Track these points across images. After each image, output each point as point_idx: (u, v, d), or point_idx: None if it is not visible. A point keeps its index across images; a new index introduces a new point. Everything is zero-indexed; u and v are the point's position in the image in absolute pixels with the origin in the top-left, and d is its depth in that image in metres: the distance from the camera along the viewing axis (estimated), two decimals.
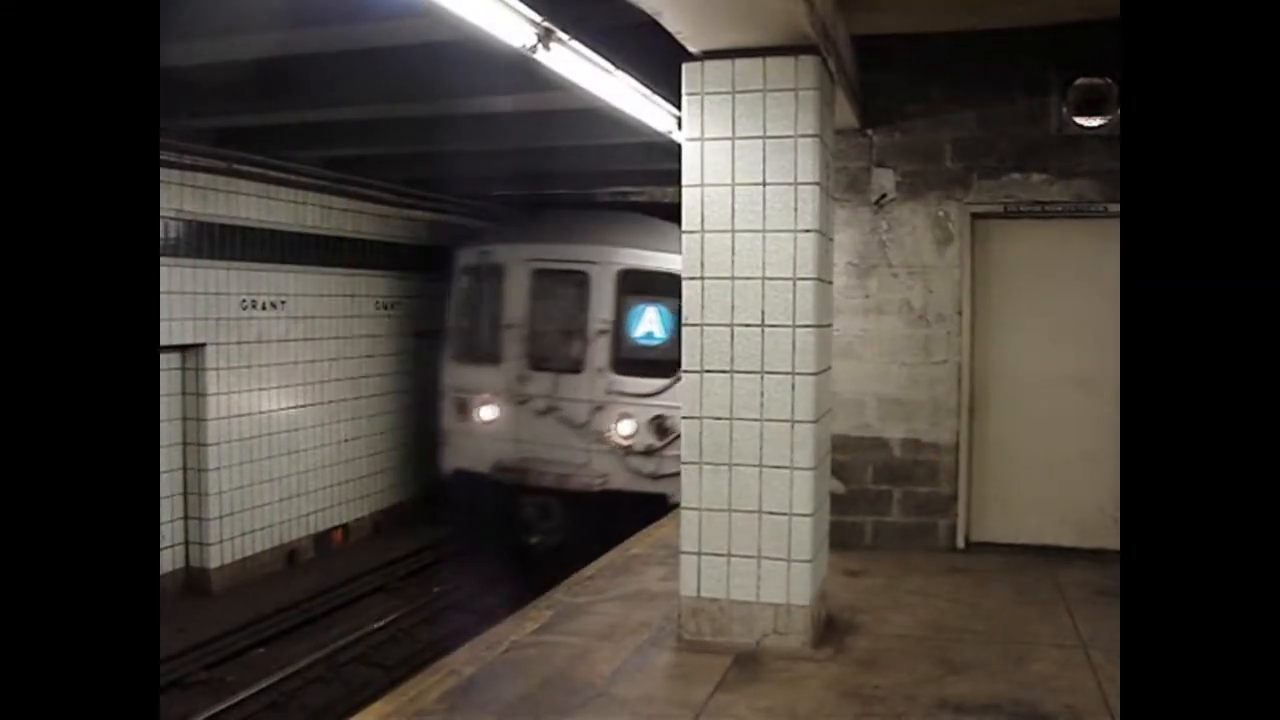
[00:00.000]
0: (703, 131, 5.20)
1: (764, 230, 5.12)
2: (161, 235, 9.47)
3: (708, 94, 5.18)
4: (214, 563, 10.64)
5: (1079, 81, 6.81)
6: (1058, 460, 7.26)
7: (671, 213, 7.63)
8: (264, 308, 11.19)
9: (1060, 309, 7.20)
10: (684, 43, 5.05)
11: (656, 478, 10.78)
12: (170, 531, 10.34)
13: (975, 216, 7.29)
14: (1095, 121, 6.83)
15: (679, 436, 6.18)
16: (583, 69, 5.76)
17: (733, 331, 5.19)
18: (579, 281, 11.32)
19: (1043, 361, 7.25)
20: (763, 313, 5.14)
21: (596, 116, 7.66)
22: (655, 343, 11.16)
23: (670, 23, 4.77)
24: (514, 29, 4.97)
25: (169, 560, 10.30)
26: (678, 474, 5.44)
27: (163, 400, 10.01)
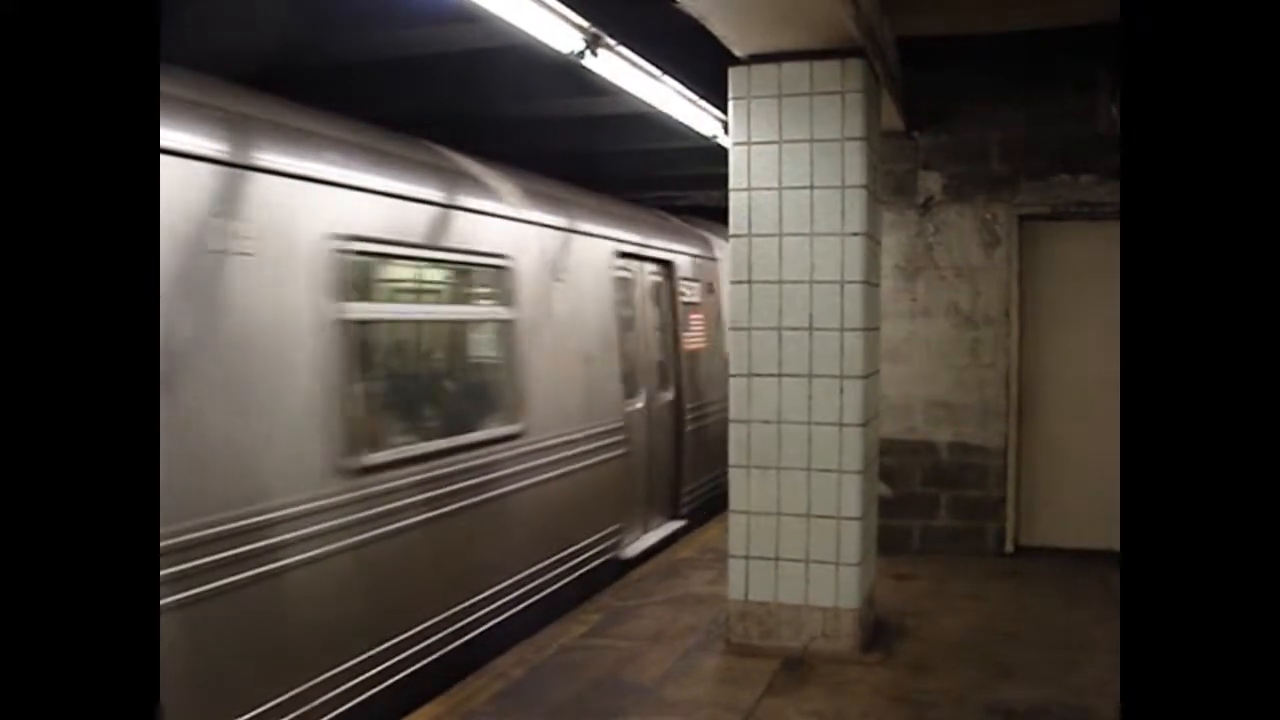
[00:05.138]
0: (749, 135, 5.21)
1: (811, 234, 5.12)
2: None
3: (754, 98, 5.18)
4: None
5: None
6: (1108, 463, 7.08)
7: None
8: None
9: (1110, 310, 7.04)
10: (730, 47, 5.06)
11: None
12: None
13: (1022, 218, 7.24)
14: None
15: None
16: (629, 74, 5.78)
17: (780, 335, 5.18)
18: None
19: (1093, 363, 7.17)
20: (810, 316, 5.13)
21: (643, 121, 7.68)
22: None
23: (717, 27, 4.78)
24: (562, 35, 5.00)
25: None
26: None
27: None
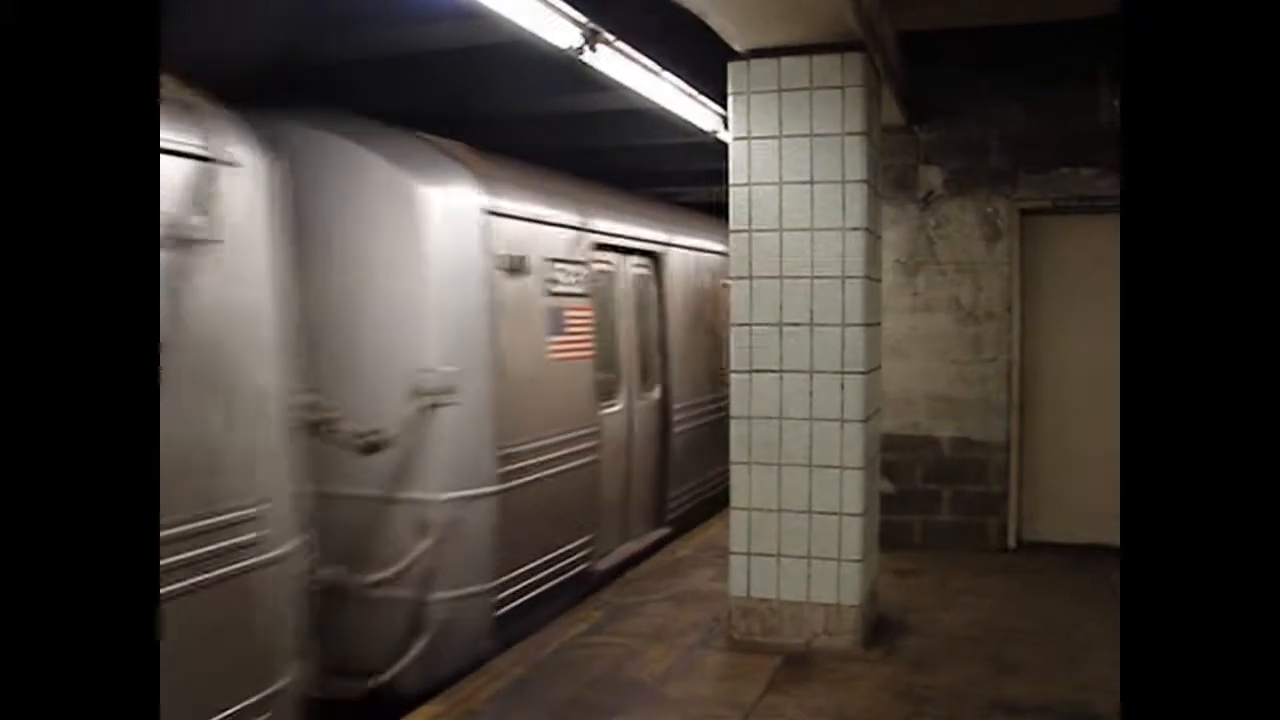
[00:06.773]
0: (749, 130, 5.19)
1: (812, 229, 5.10)
2: None
3: (754, 92, 5.17)
4: None
5: None
6: (1111, 458, 7.03)
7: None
8: None
9: (1112, 304, 6.99)
10: (729, 42, 5.05)
11: None
12: None
13: (1024, 212, 7.22)
14: None
15: None
16: (629, 70, 5.75)
17: (781, 331, 5.17)
18: None
19: (1095, 358, 7.14)
20: (811, 312, 5.12)
21: (643, 117, 7.64)
22: None
23: (716, 22, 4.76)
24: (561, 31, 4.98)
25: None
26: None
27: None
